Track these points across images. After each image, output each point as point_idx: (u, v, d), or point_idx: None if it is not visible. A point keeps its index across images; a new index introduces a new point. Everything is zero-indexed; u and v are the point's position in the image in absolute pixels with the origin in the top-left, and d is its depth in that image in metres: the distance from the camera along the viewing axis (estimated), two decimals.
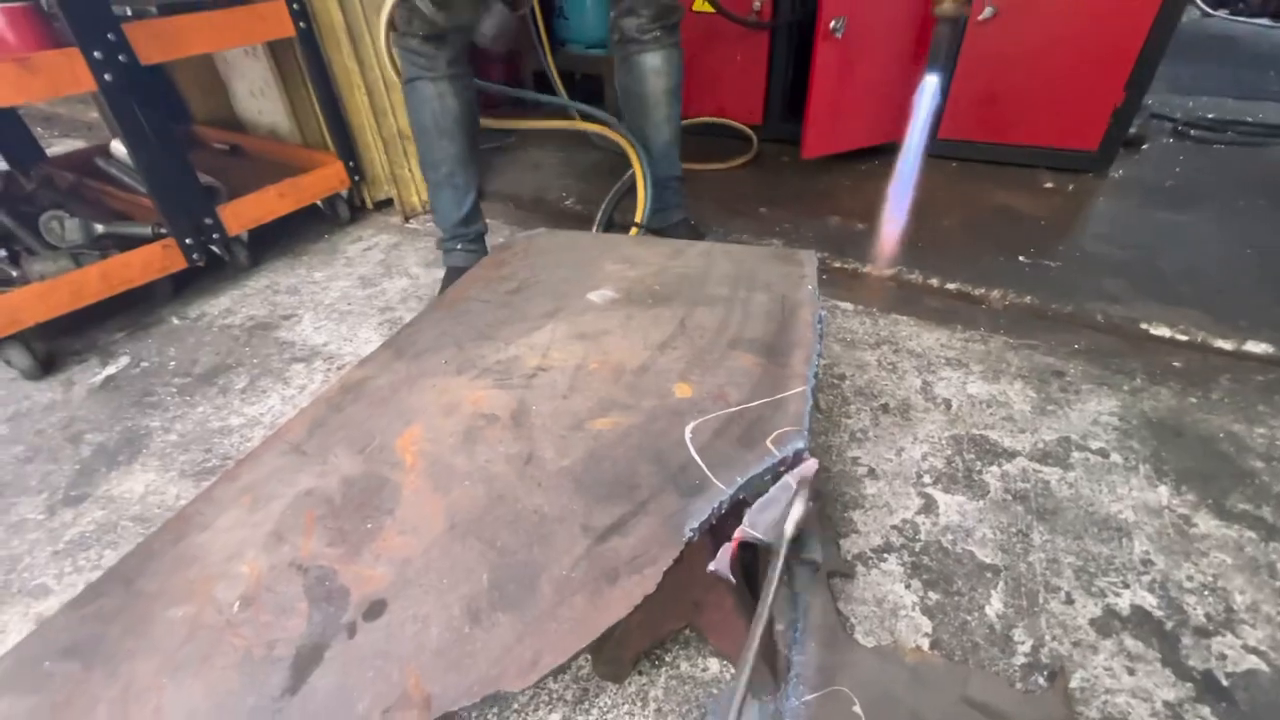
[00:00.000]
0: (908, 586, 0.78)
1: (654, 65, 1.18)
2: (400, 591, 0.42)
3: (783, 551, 0.47)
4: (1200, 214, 1.54)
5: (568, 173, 1.92)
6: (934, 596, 0.77)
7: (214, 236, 1.40)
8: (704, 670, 0.69)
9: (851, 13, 1.54)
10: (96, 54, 1.12)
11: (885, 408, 1.05)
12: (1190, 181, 1.70)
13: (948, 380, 1.10)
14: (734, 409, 0.54)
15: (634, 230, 1.36)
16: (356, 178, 1.68)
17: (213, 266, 1.47)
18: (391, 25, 1.11)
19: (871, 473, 0.93)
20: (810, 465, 0.49)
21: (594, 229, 1.51)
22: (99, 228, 1.33)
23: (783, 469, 0.50)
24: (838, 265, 1.42)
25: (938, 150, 1.86)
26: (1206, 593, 0.76)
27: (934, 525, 0.85)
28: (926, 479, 0.92)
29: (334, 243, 1.67)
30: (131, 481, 0.98)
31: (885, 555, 0.82)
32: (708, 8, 1.78)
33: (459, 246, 1.30)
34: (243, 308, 1.41)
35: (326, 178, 1.63)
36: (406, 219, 1.75)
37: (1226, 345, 1.13)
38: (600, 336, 0.66)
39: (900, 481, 0.92)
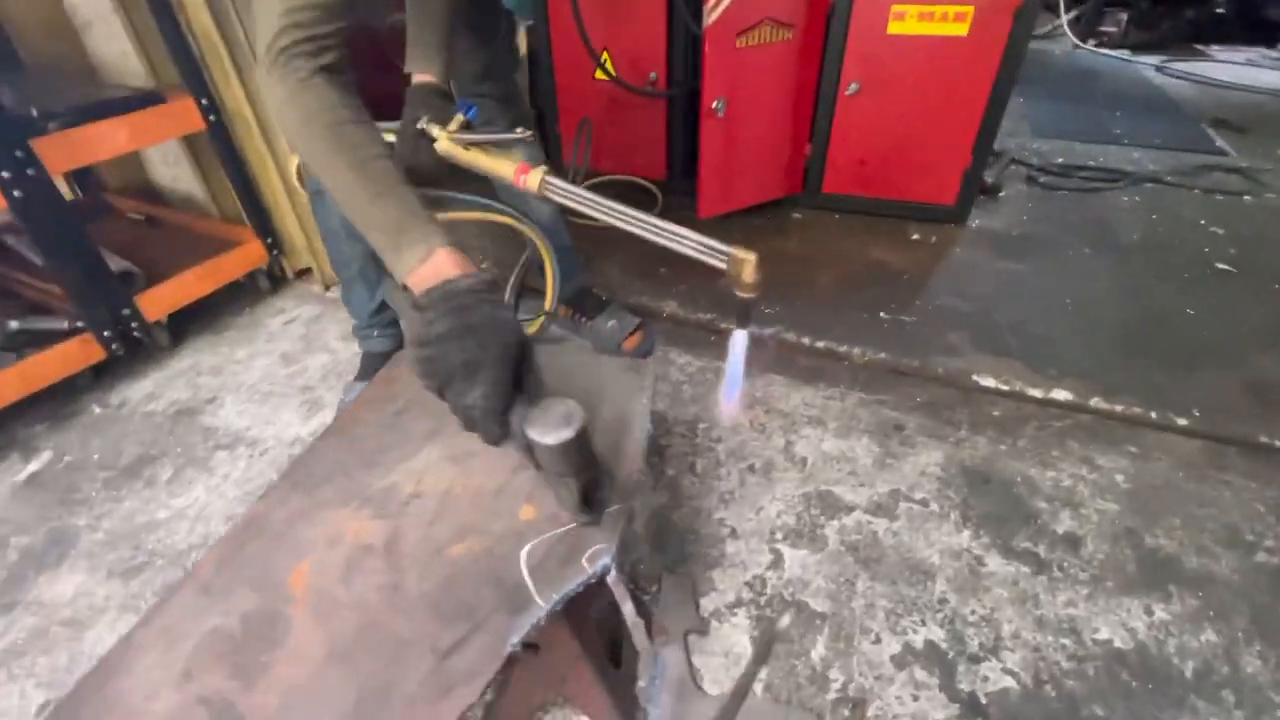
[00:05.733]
0: (751, 638, 0.94)
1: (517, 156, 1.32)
2: (286, 716, 0.55)
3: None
4: (1035, 263, 1.77)
5: (484, 234, 2.03)
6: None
7: (132, 325, 1.46)
8: None
9: (731, 94, 1.71)
10: (5, 174, 1.18)
11: (752, 468, 1.21)
12: (1032, 230, 1.94)
13: (807, 439, 1.27)
14: (564, 529, 0.68)
15: (540, 319, 1.49)
16: (275, 251, 1.76)
17: (134, 349, 1.53)
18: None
19: (733, 533, 1.09)
20: (612, 579, 0.63)
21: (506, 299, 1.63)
22: (13, 324, 1.38)
23: (594, 582, 0.64)
24: (723, 326, 1.58)
25: (823, 204, 2.06)
26: (984, 624, 0.94)
27: (779, 579, 1.01)
28: (778, 535, 1.08)
29: (256, 316, 1.74)
30: (61, 585, 1.06)
31: (736, 610, 0.97)
32: (606, 77, 1.93)
33: (375, 334, 1.40)
34: (166, 391, 1.48)
35: (246, 255, 1.70)
36: (327, 288, 1.83)
37: (1037, 393, 1.34)
38: (467, 459, 0.79)
39: (756, 539, 1.08)
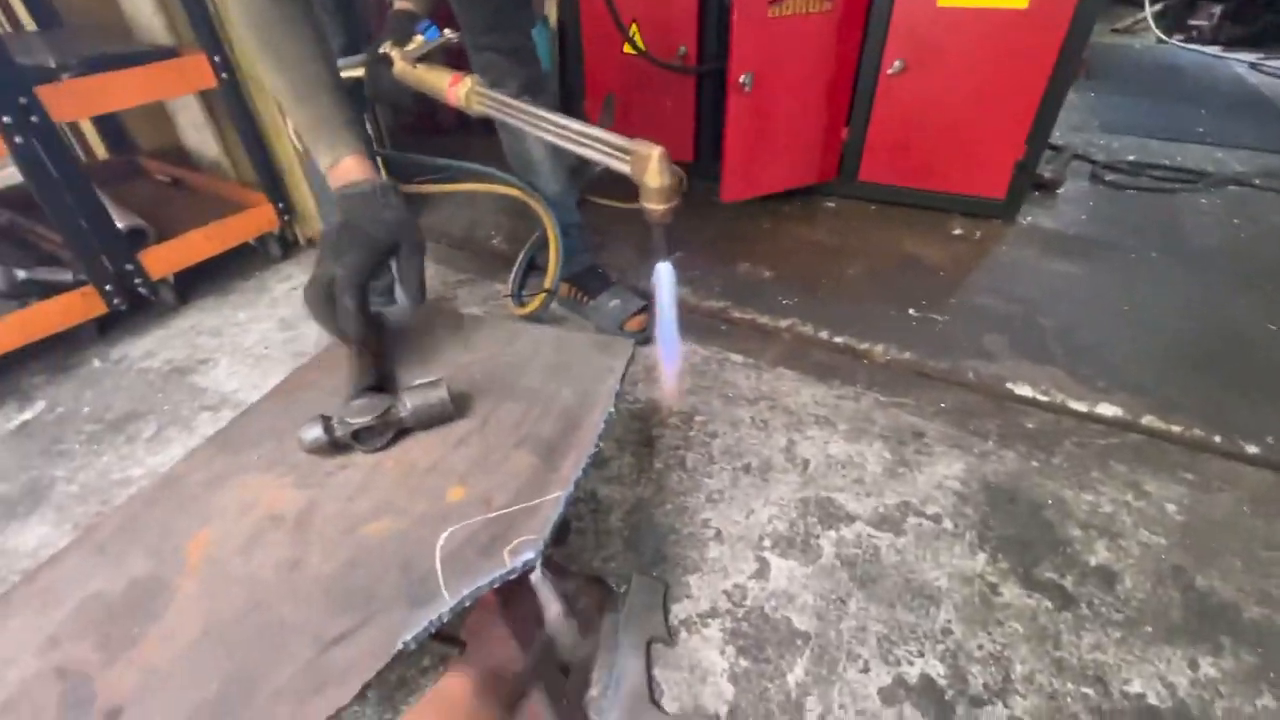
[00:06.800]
0: (722, 653, 0.84)
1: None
2: (139, 699, 0.48)
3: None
4: (1093, 266, 1.60)
5: (501, 209, 1.98)
6: (744, 663, 0.82)
7: (135, 282, 1.45)
8: None
9: (760, 68, 1.60)
10: (6, 118, 1.18)
11: (747, 468, 1.10)
12: (1091, 231, 1.75)
13: (812, 439, 1.15)
14: (493, 514, 0.60)
15: (540, 296, 1.42)
16: (286, 217, 1.74)
17: (140, 305, 1.53)
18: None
19: (718, 535, 0.99)
20: (536, 578, 0.55)
21: (510, 280, 1.56)
22: (20, 274, 1.38)
23: (513, 577, 0.55)
24: (736, 315, 1.48)
25: (859, 193, 1.93)
26: (991, 663, 0.81)
27: (762, 590, 0.91)
28: (767, 542, 0.97)
29: (263, 280, 1.72)
30: (26, 535, 1.04)
31: (710, 621, 0.87)
32: (634, 51, 1.84)
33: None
34: (164, 350, 1.47)
35: (255, 218, 1.68)
36: None
37: (1080, 407, 1.19)
38: (409, 431, 0.71)
39: (743, 545, 0.97)
